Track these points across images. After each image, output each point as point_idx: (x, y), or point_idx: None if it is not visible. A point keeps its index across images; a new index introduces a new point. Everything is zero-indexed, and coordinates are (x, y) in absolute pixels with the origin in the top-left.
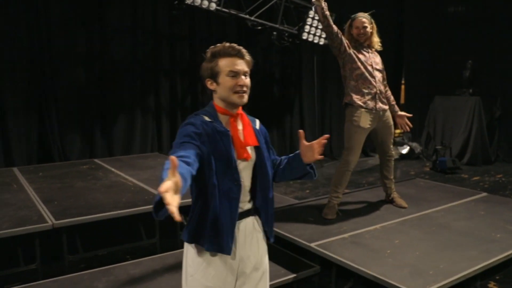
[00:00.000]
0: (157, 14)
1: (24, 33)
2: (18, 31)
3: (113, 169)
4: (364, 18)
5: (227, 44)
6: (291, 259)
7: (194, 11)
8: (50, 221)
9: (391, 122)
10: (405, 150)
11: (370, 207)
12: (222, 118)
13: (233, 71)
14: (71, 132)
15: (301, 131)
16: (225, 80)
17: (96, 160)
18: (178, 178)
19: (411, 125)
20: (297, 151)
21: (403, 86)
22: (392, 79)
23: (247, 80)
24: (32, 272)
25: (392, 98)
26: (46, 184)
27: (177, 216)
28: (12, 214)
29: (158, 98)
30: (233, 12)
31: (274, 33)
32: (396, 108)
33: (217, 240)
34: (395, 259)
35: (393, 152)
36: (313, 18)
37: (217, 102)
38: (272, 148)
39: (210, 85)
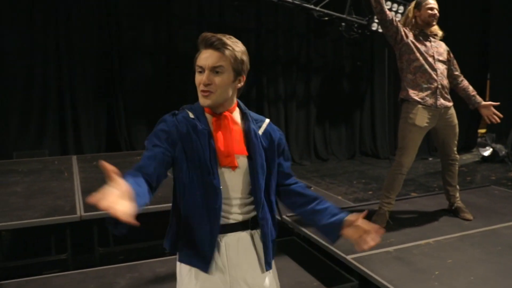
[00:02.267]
0: (223, 6)
1: (95, 26)
2: (88, 25)
3: None
4: None
5: (208, 33)
6: (328, 270)
7: (260, 2)
8: (79, 212)
9: (455, 121)
10: (487, 152)
11: (427, 217)
12: (208, 116)
13: (198, 65)
14: (138, 123)
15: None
16: (195, 76)
17: None
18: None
19: (500, 115)
20: (342, 218)
21: (488, 81)
22: (476, 74)
23: (216, 78)
24: (63, 262)
25: (471, 88)
26: (94, 174)
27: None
28: (50, 203)
29: None
30: (297, 2)
31: (343, 24)
32: (478, 98)
33: (194, 254)
34: (442, 283)
35: (457, 156)
36: None
37: None
38: (286, 159)
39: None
